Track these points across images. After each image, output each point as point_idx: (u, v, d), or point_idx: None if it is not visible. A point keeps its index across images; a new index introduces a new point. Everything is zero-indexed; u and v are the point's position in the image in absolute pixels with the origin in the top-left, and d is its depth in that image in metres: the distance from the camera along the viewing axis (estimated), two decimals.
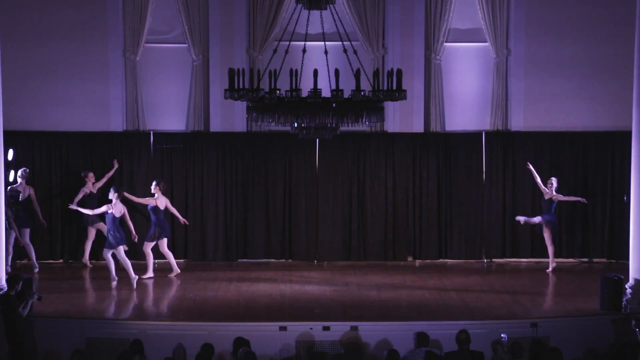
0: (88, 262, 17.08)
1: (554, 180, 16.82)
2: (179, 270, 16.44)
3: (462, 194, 17.76)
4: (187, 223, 16.92)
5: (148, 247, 16.27)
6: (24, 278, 13.39)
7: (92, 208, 16.36)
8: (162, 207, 16.37)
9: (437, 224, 17.82)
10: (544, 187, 16.86)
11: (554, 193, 16.76)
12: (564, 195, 16.91)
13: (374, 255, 17.78)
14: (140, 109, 17.70)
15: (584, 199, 17.07)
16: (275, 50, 13.14)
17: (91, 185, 16.95)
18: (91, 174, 16.99)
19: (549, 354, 11.14)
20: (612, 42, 17.42)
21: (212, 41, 17.63)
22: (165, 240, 16.39)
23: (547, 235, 16.77)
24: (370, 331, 13.26)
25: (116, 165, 17.22)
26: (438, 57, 17.78)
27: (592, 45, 17.60)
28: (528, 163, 17.11)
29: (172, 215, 16.76)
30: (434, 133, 17.84)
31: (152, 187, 16.40)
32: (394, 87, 12.03)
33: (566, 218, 17.78)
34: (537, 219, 16.81)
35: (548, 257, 17.06)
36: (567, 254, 17.85)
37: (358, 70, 12.05)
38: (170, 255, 16.47)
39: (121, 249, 15.72)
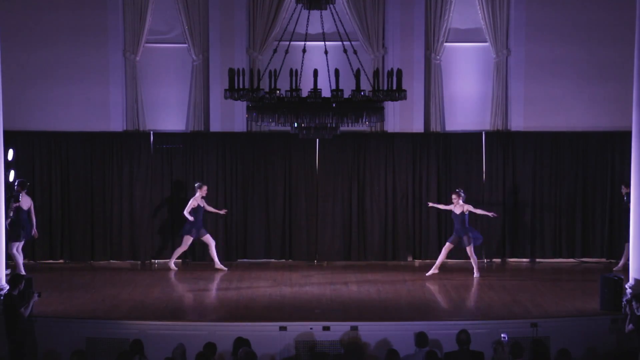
0: (173, 266, 17.03)
1: (461, 192, 16.34)
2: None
3: None
4: (36, 236, 16.35)
5: (14, 248, 15.93)
6: (25, 278, 13.39)
7: (198, 221, 16.63)
8: (25, 208, 16.07)
9: (437, 224, 17.82)
10: (449, 206, 16.41)
11: (462, 203, 16.21)
12: (474, 207, 16.39)
13: (374, 255, 17.78)
14: (140, 109, 17.70)
15: (493, 214, 16.54)
16: (275, 50, 13.14)
17: (200, 199, 16.78)
18: (205, 187, 16.83)
19: (558, 356, 11.11)
20: (612, 42, 17.42)
21: (212, 41, 17.63)
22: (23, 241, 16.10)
23: (470, 249, 16.30)
24: (370, 331, 13.26)
25: (224, 211, 17.19)
26: (438, 57, 17.78)
27: (592, 46, 17.61)
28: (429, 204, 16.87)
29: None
30: (434, 133, 17.84)
31: (15, 187, 16.22)
32: (394, 87, 12.04)
33: (566, 218, 17.79)
34: (465, 241, 16.26)
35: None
36: (567, 254, 17.85)
37: (358, 70, 12.06)
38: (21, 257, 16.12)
39: (20, 244, 15.85)
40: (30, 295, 12.94)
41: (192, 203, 16.72)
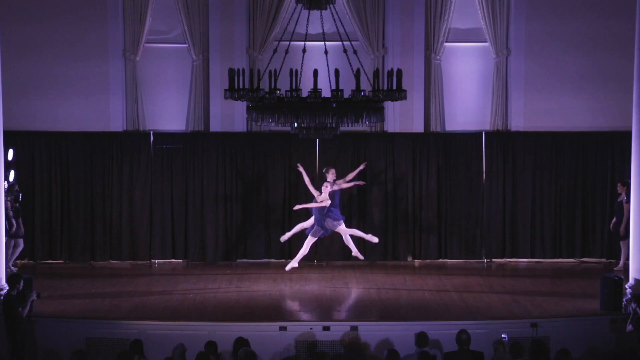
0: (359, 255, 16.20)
1: (334, 171, 15.70)
2: None
3: (462, 194, 17.75)
4: None
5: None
6: (25, 278, 13.40)
7: (334, 205, 15.66)
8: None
9: (437, 224, 17.81)
10: (315, 189, 15.53)
11: (337, 181, 15.52)
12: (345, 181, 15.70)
13: (374, 255, 17.77)
14: (140, 109, 17.69)
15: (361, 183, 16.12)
16: (275, 50, 13.16)
17: (330, 184, 15.83)
18: (333, 170, 15.88)
19: (558, 356, 11.12)
20: (612, 42, 17.41)
21: (212, 41, 17.62)
22: None
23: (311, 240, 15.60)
24: (370, 331, 13.26)
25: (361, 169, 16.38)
26: (438, 57, 17.78)
27: (592, 45, 17.60)
28: (298, 165, 16.03)
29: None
30: (434, 133, 17.84)
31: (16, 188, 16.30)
32: (394, 87, 12.05)
33: (566, 218, 17.79)
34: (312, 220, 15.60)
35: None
36: (567, 254, 17.85)
37: (358, 70, 12.06)
38: None
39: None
40: (29, 296, 12.94)
41: (325, 190, 16.07)
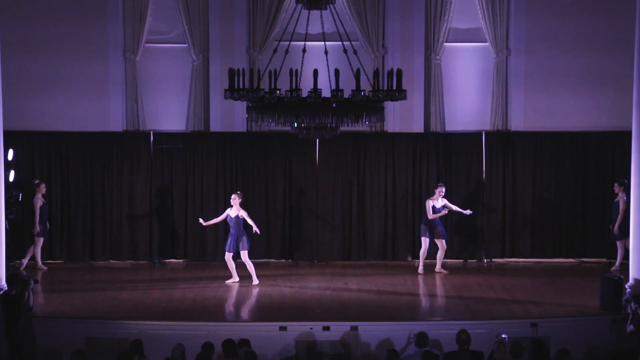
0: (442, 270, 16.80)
1: (241, 195, 15.88)
2: None
3: (461, 194, 17.74)
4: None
5: None
6: (24, 277, 13.39)
7: (433, 222, 16.46)
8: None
9: None
10: (225, 213, 15.75)
11: (238, 207, 15.65)
12: (248, 215, 15.70)
13: (374, 255, 17.78)
14: (140, 109, 17.69)
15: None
16: (275, 50, 13.16)
17: (437, 199, 16.53)
18: (440, 187, 16.62)
19: (558, 356, 11.12)
20: (612, 43, 17.41)
21: (212, 41, 17.63)
22: None
23: (244, 254, 15.69)
24: (370, 331, 13.26)
25: (469, 212, 16.78)
26: (438, 57, 17.78)
27: (592, 45, 17.59)
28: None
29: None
30: (434, 133, 17.84)
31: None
32: (394, 87, 12.04)
33: (566, 218, 17.79)
34: (241, 245, 15.68)
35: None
36: (567, 254, 17.85)
37: (358, 70, 12.06)
38: None
39: None
40: (27, 285, 12.90)
41: (428, 204, 16.55)
